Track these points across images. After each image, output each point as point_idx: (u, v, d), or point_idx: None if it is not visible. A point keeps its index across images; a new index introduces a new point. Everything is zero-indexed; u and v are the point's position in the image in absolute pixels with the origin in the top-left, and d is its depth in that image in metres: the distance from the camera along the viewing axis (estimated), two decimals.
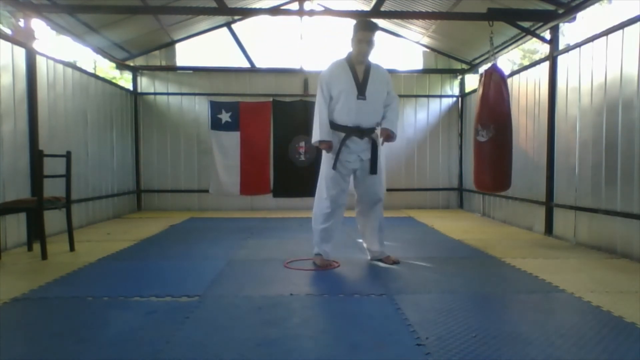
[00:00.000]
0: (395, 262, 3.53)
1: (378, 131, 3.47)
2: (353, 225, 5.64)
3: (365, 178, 3.44)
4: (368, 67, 3.36)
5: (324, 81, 3.34)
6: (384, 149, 7.24)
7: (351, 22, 7.86)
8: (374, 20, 3.49)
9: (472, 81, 7.66)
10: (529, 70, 5.50)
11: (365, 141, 3.37)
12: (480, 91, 4.47)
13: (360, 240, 4.58)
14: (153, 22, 6.32)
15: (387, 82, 3.45)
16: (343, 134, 3.33)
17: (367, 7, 6.56)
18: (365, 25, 3.33)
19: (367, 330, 2.14)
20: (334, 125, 3.34)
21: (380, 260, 3.58)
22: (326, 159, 3.41)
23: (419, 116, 7.74)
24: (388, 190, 7.39)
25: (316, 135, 3.32)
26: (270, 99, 7.10)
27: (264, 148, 7.07)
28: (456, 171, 7.76)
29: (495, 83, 4.33)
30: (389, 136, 3.42)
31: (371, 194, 3.50)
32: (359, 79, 3.31)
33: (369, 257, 3.66)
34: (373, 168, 3.39)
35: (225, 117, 7.01)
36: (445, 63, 7.71)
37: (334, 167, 3.32)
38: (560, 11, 4.66)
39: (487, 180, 4.49)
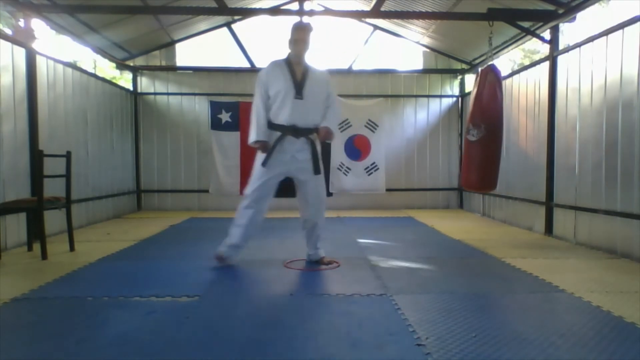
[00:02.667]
0: (330, 263, 3.49)
1: (315, 136, 3.43)
2: (353, 225, 5.66)
3: (305, 180, 3.40)
4: (307, 68, 3.37)
5: (261, 80, 3.34)
6: (384, 150, 7.33)
7: (351, 22, 7.85)
8: (307, 20, 3.48)
9: (472, 81, 7.65)
10: (529, 70, 5.50)
11: (301, 141, 3.34)
12: (474, 90, 4.48)
13: (360, 240, 4.59)
14: (153, 22, 6.32)
15: (326, 84, 3.44)
16: (279, 133, 3.31)
17: (367, 7, 6.56)
18: (299, 25, 3.36)
19: (367, 330, 2.14)
20: (271, 125, 3.33)
21: (316, 262, 3.52)
22: (259, 158, 3.38)
23: (419, 116, 7.74)
24: (388, 190, 7.41)
25: (252, 135, 3.31)
26: None
27: None
28: (456, 171, 7.76)
29: (490, 83, 4.33)
30: (327, 133, 3.36)
31: (313, 195, 3.44)
32: (297, 78, 3.31)
33: (306, 259, 3.62)
34: (316, 168, 3.35)
35: (225, 117, 7.01)
36: (445, 63, 7.71)
37: (264, 164, 3.30)
38: (560, 11, 4.66)
39: (474, 179, 4.48)
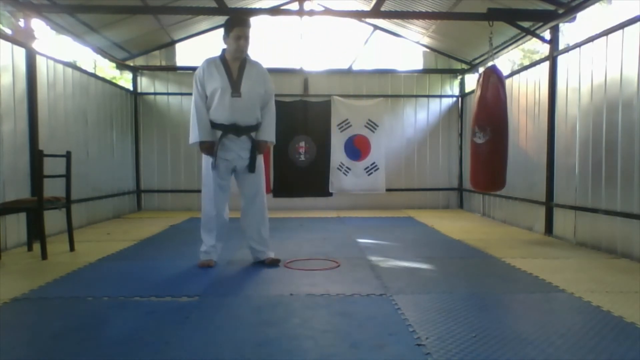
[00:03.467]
0: (274, 262, 3.46)
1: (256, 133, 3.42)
2: (353, 225, 5.66)
3: (245, 176, 3.39)
4: (243, 64, 3.31)
5: (198, 79, 3.28)
6: (384, 150, 7.32)
7: (351, 22, 7.85)
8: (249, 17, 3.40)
9: (472, 81, 7.65)
10: (529, 70, 5.50)
11: (243, 139, 3.32)
12: (478, 92, 4.49)
13: (360, 240, 4.59)
14: (153, 22, 6.32)
15: (263, 79, 3.40)
16: (220, 132, 3.28)
17: (367, 7, 6.56)
18: (242, 21, 3.27)
19: (367, 330, 2.14)
20: (212, 124, 3.29)
21: (261, 261, 3.49)
22: (206, 159, 3.35)
23: (419, 116, 7.74)
24: (388, 190, 7.41)
25: (195, 136, 3.24)
26: None
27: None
28: (456, 171, 7.76)
29: (493, 85, 4.35)
30: (265, 148, 3.41)
31: (249, 189, 3.43)
32: (233, 76, 3.26)
33: (252, 258, 3.58)
34: (251, 166, 3.34)
35: None
36: (445, 63, 7.71)
37: (214, 166, 3.28)
38: (560, 11, 4.66)
39: (483, 180, 4.59)
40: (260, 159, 3.44)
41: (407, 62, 7.80)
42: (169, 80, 7.50)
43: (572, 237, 4.54)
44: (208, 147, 3.28)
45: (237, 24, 3.23)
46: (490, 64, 4.63)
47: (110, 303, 2.56)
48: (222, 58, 3.31)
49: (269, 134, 3.41)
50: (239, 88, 3.25)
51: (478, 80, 4.56)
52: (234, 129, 3.28)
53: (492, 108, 4.35)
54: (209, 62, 3.31)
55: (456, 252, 4.10)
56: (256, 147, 3.36)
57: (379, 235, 4.87)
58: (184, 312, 2.40)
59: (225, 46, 3.32)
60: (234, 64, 3.30)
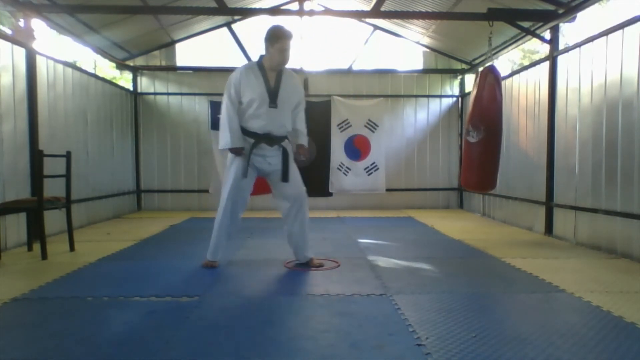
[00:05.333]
0: (320, 266, 3.42)
1: (287, 142, 3.43)
2: (353, 225, 5.66)
3: (278, 183, 3.38)
4: (280, 74, 3.32)
5: (232, 85, 3.26)
6: (384, 150, 7.32)
7: (351, 22, 7.84)
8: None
9: (472, 81, 7.66)
10: (529, 70, 5.50)
11: (274, 148, 3.33)
12: (474, 92, 4.49)
13: (360, 240, 4.59)
14: (153, 22, 6.32)
15: (299, 89, 3.43)
16: (252, 140, 3.28)
17: (367, 7, 6.56)
18: (287, 33, 3.26)
19: (367, 330, 2.14)
20: (244, 131, 3.28)
21: (305, 264, 3.46)
22: (232, 163, 3.32)
23: (419, 116, 7.75)
24: (388, 190, 7.40)
25: (226, 142, 3.23)
26: None
27: None
28: (456, 171, 7.76)
29: (490, 85, 4.34)
30: (306, 152, 3.47)
31: (290, 197, 3.39)
32: (271, 86, 3.26)
33: (295, 261, 3.55)
34: (284, 176, 3.32)
35: None
36: (445, 63, 7.71)
37: (245, 174, 3.26)
38: (560, 11, 4.66)
39: (474, 180, 4.56)
40: (294, 165, 3.43)
41: (407, 62, 7.81)
42: (169, 80, 7.50)
43: (572, 237, 4.54)
44: (239, 152, 3.28)
45: (283, 36, 3.23)
46: (488, 63, 4.63)
47: (110, 303, 2.56)
48: (261, 65, 3.31)
49: (304, 138, 3.48)
50: (275, 99, 3.25)
51: (475, 80, 4.56)
52: (267, 139, 3.28)
53: (487, 108, 4.34)
54: (247, 68, 3.32)
55: (456, 252, 4.10)
56: (296, 153, 3.41)
57: (379, 235, 4.87)
58: (184, 312, 2.40)
59: (264, 53, 3.33)
60: (271, 73, 3.30)
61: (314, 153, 7.28)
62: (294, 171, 3.43)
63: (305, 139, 3.48)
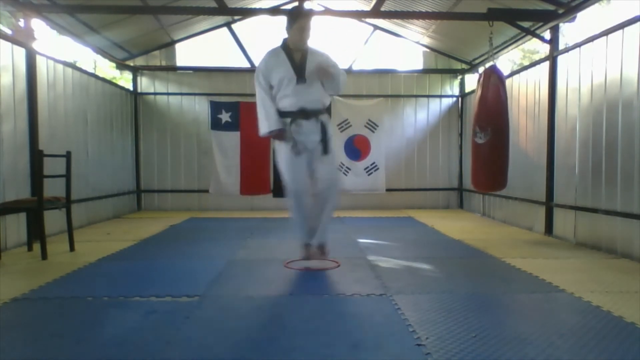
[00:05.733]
0: (326, 255, 3.43)
1: (325, 116, 3.39)
2: (353, 225, 5.66)
3: (317, 160, 3.36)
4: (305, 52, 3.34)
5: (260, 73, 3.32)
6: (384, 150, 7.32)
7: (351, 22, 7.82)
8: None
9: (472, 81, 7.66)
10: (529, 70, 5.50)
11: (312, 122, 3.31)
12: (478, 92, 4.49)
13: (360, 240, 4.59)
14: (153, 22, 6.32)
15: (326, 60, 3.36)
16: (289, 120, 3.30)
17: (367, 7, 6.56)
18: (304, 12, 3.36)
19: (367, 330, 2.14)
20: (280, 113, 3.32)
21: (309, 244, 3.43)
22: (279, 149, 3.37)
23: (419, 116, 7.74)
24: (388, 190, 7.41)
25: (264, 127, 3.29)
26: None
27: (264, 148, 7.06)
28: (456, 171, 7.76)
29: (494, 85, 4.35)
30: (322, 69, 3.20)
31: (323, 176, 3.38)
32: (297, 63, 3.29)
33: (307, 241, 3.46)
34: (325, 148, 3.32)
35: (225, 117, 7.01)
36: (445, 63, 7.71)
37: (298, 152, 3.27)
38: (560, 11, 4.66)
39: (484, 180, 4.60)
40: (332, 141, 3.39)
41: (407, 62, 7.81)
42: (169, 80, 7.49)
43: (572, 237, 4.54)
44: (279, 135, 3.31)
45: (301, 16, 3.30)
46: (490, 63, 4.63)
47: (110, 303, 2.56)
48: (284, 46, 3.35)
49: (331, 70, 3.26)
50: (303, 74, 3.27)
51: (478, 80, 4.56)
52: (302, 114, 3.29)
53: (492, 108, 4.35)
54: (271, 53, 3.36)
55: (456, 252, 4.10)
56: (324, 123, 3.31)
57: (379, 235, 4.87)
58: (184, 312, 2.40)
59: (286, 36, 3.35)
60: (297, 53, 3.33)
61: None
62: (332, 151, 3.39)
63: (328, 68, 3.26)
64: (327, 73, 3.24)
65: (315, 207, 3.44)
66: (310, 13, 3.37)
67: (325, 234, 3.46)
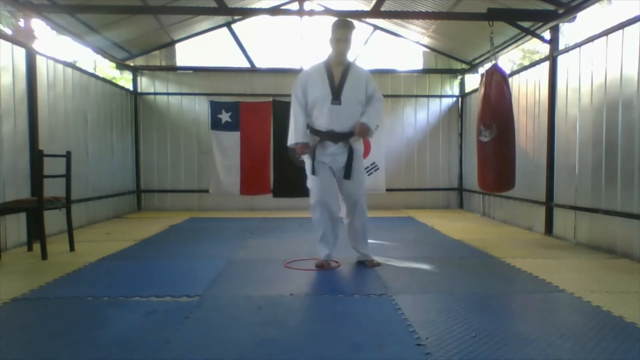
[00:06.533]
0: (376, 266, 3.46)
1: (355, 138, 3.40)
2: None
3: (341, 181, 3.41)
4: (347, 68, 3.33)
5: (299, 86, 3.33)
6: (384, 150, 7.32)
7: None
8: (352, 20, 3.41)
9: (472, 81, 7.66)
10: (529, 70, 5.50)
11: (339, 145, 3.33)
12: (481, 91, 4.47)
13: None
14: (153, 22, 6.32)
15: (366, 84, 3.38)
16: (317, 138, 3.33)
17: (367, 7, 6.56)
18: (342, 23, 3.32)
19: (367, 330, 2.14)
20: (310, 129, 3.36)
21: (362, 262, 3.53)
22: (307, 165, 3.41)
23: (419, 116, 7.74)
24: (388, 190, 7.40)
25: (291, 138, 3.33)
26: (270, 99, 7.09)
27: (264, 148, 7.06)
28: (456, 171, 7.76)
29: (497, 83, 4.33)
30: (363, 129, 3.28)
31: (348, 196, 3.47)
32: (335, 83, 3.28)
33: (355, 258, 3.60)
34: (347, 173, 3.34)
35: (225, 117, 7.01)
36: (445, 63, 7.71)
37: (313, 171, 3.32)
38: (560, 11, 4.66)
39: (491, 180, 4.48)
40: (359, 165, 3.43)
41: (407, 62, 7.81)
42: (169, 80, 7.50)
43: (572, 237, 4.54)
44: (302, 148, 3.32)
45: (338, 26, 3.28)
46: (492, 63, 4.62)
47: (110, 303, 2.56)
48: (327, 63, 3.35)
49: (369, 119, 3.34)
50: (339, 95, 3.27)
51: (481, 80, 4.53)
52: (330, 136, 3.31)
53: (497, 105, 4.29)
54: (313, 67, 3.38)
55: (456, 252, 4.10)
56: (351, 147, 3.33)
57: (379, 235, 4.87)
58: (184, 312, 2.39)
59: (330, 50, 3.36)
60: (337, 70, 3.31)
61: None
62: (360, 178, 3.44)
63: (367, 118, 3.32)
64: (367, 133, 3.30)
65: (349, 223, 3.54)
66: (348, 24, 3.30)
67: (367, 248, 3.55)
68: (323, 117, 3.29)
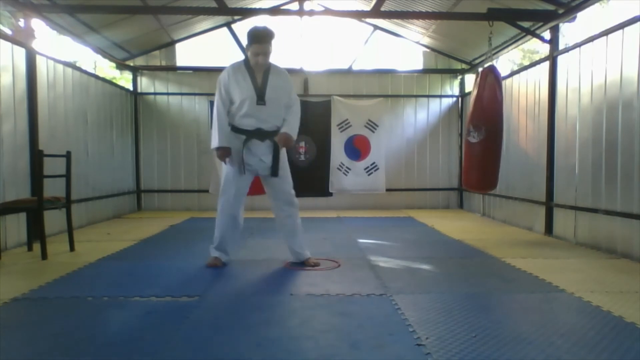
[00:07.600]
0: (316, 265, 3.44)
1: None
2: (353, 225, 5.66)
3: (271, 181, 3.40)
4: (267, 71, 3.31)
5: (222, 85, 3.28)
6: (384, 150, 7.33)
7: (351, 22, 7.82)
8: (269, 27, 3.27)
9: (472, 81, 7.66)
10: (529, 70, 5.50)
11: (266, 144, 3.33)
12: (474, 92, 4.49)
13: (360, 240, 4.58)
14: (153, 22, 6.32)
15: (288, 89, 3.39)
16: (244, 137, 3.30)
17: (367, 7, 6.56)
18: (259, 37, 3.17)
19: (367, 330, 2.14)
20: (235, 129, 3.32)
21: (301, 263, 3.48)
22: (227, 166, 3.37)
23: (419, 116, 7.74)
24: (388, 190, 7.41)
25: (215, 141, 3.28)
26: None
27: None
28: (456, 171, 7.75)
29: (490, 85, 4.34)
30: (286, 140, 3.30)
31: (280, 193, 3.45)
32: (258, 84, 3.27)
33: (291, 259, 3.56)
34: (274, 170, 3.32)
35: None
36: (445, 63, 7.71)
37: (243, 171, 3.30)
38: (560, 11, 4.66)
39: (474, 179, 4.57)
40: (284, 161, 3.43)
41: (407, 62, 7.80)
42: (169, 80, 7.50)
43: (572, 237, 4.54)
44: (223, 153, 3.29)
45: (255, 40, 3.19)
46: (488, 63, 4.63)
47: (110, 303, 2.56)
48: (247, 64, 3.31)
49: (291, 127, 3.36)
50: (263, 96, 3.27)
51: (475, 80, 4.56)
52: (258, 134, 3.31)
53: (488, 108, 4.34)
54: (234, 67, 3.32)
55: (456, 252, 4.10)
56: (276, 144, 3.33)
57: (379, 235, 4.87)
58: (184, 312, 2.40)
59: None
60: (259, 71, 3.30)
61: (313, 153, 7.30)
62: (286, 172, 3.44)
63: (288, 128, 3.34)
64: (290, 143, 3.32)
65: (284, 227, 3.50)
66: (266, 38, 3.18)
67: (304, 247, 3.53)
68: (250, 117, 3.28)
